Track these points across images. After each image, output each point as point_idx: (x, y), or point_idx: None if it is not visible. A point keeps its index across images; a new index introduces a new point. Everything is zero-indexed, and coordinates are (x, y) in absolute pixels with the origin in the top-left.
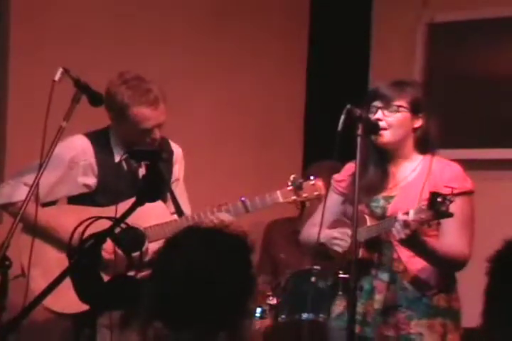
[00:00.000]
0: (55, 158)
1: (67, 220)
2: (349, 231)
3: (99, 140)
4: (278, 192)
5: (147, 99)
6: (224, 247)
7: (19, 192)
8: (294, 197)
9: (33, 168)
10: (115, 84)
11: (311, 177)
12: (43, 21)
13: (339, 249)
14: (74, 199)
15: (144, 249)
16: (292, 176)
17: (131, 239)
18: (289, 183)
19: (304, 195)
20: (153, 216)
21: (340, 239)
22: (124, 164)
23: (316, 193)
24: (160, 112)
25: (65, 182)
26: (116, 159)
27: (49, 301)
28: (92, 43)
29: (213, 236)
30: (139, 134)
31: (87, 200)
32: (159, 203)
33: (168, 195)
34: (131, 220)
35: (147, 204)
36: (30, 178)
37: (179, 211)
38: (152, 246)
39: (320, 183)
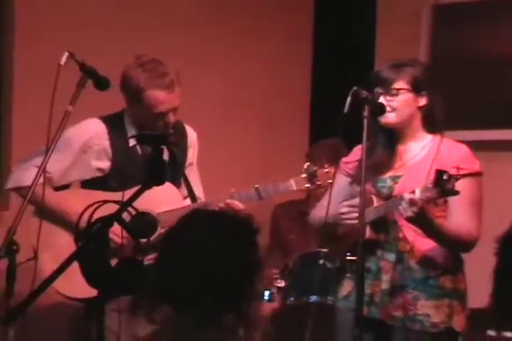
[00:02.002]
0: (68, 142)
1: (77, 203)
2: (356, 200)
3: (114, 123)
4: (291, 180)
5: (163, 82)
6: (230, 230)
7: (30, 175)
8: (307, 185)
9: (44, 152)
10: (131, 67)
11: (326, 166)
12: (48, 4)
13: (352, 222)
14: (87, 183)
15: (156, 234)
16: (306, 164)
17: (141, 225)
18: (303, 171)
19: (318, 182)
20: (165, 201)
21: (348, 212)
22: (137, 148)
23: (329, 181)
24: (175, 96)
25: (78, 166)
26: (131, 143)
27: (62, 286)
28: (98, 27)
29: (219, 218)
30: (154, 118)
31: (100, 184)
32: (172, 188)
33: (182, 179)
34: (144, 205)
35: (160, 189)
36: (41, 162)
37: (192, 195)
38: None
39: (333, 171)
